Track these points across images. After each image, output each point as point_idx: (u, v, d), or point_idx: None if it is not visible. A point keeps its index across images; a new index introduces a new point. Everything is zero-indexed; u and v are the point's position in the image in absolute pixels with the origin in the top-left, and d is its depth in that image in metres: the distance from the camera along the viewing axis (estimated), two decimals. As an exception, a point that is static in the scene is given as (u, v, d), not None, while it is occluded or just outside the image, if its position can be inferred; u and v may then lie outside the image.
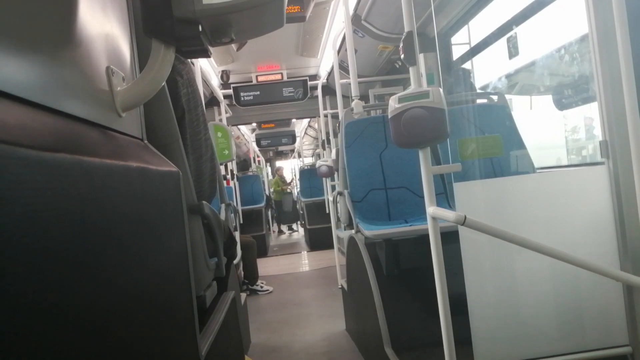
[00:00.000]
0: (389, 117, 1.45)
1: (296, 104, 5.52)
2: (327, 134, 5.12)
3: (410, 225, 2.24)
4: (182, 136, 1.15)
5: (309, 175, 8.73)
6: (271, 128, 8.64)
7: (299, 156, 12.36)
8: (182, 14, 0.67)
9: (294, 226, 11.15)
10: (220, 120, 4.89)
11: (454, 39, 3.38)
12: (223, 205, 1.98)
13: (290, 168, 15.12)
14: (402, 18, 1.45)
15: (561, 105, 2.55)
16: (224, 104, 4.88)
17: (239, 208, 5.49)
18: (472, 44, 3.11)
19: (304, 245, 8.24)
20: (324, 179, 5.55)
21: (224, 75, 5.16)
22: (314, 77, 5.61)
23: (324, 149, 5.39)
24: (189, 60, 1.51)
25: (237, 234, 3.70)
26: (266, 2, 0.68)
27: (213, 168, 1.38)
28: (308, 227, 7.88)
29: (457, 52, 3.38)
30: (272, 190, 10.97)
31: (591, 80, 1.49)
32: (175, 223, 0.80)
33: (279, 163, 15.85)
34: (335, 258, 4.41)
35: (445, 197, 2.50)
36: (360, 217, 2.52)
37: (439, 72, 3.36)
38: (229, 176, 4.65)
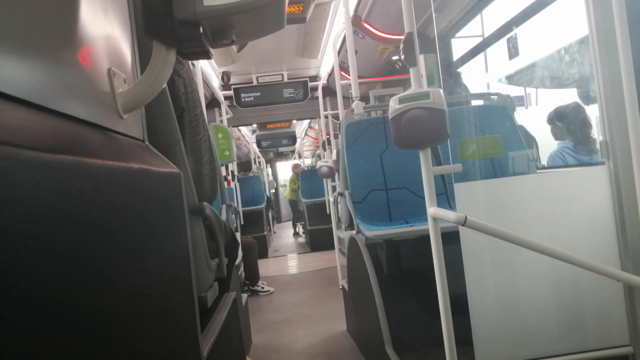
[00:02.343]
0: (390, 118, 1.45)
1: (297, 105, 5.52)
2: (328, 135, 5.12)
3: (411, 226, 2.24)
4: (182, 136, 1.15)
5: (309, 176, 8.74)
6: (271, 129, 8.64)
7: (299, 157, 12.35)
8: (182, 15, 0.67)
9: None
10: (221, 121, 4.90)
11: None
12: (224, 206, 1.98)
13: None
14: (402, 19, 1.45)
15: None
16: (224, 105, 4.88)
17: (240, 209, 5.49)
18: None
19: (305, 246, 8.24)
20: (324, 179, 5.55)
21: (225, 77, 5.16)
22: (315, 78, 5.62)
23: (324, 149, 5.39)
24: (189, 61, 1.51)
25: (237, 235, 3.71)
26: (267, 4, 0.68)
27: (213, 170, 1.38)
28: (309, 227, 7.88)
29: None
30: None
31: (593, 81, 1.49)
32: (176, 224, 0.80)
33: (280, 164, 15.86)
34: (336, 259, 4.42)
35: (445, 198, 2.50)
36: (361, 217, 2.53)
37: (439, 72, 3.36)
38: (229, 177, 4.66)
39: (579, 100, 2.77)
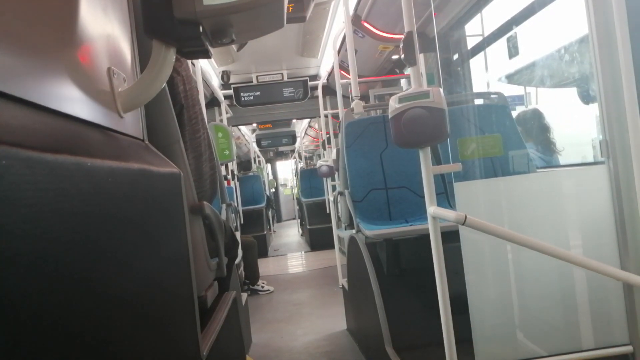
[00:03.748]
0: (389, 117, 1.45)
1: (296, 104, 5.51)
2: (328, 134, 5.12)
3: (411, 225, 2.24)
4: (181, 133, 1.15)
5: (309, 175, 8.74)
6: (271, 128, 8.64)
7: (300, 157, 12.32)
8: (182, 14, 0.67)
9: None
10: (221, 120, 4.89)
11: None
12: (224, 206, 1.98)
13: (291, 168, 15.08)
14: (402, 18, 1.45)
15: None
16: (224, 104, 4.88)
17: (240, 208, 5.49)
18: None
19: (305, 246, 8.24)
20: (324, 179, 5.55)
21: (225, 76, 5.15)
22: (314, 77, 5.61)
23: (324, 149, 5.39)
24: (189, 60, 1.51)
25: (237, 234, 3.71)
26: (267, 3, 0.68)
27: (213, 168, 1.38)
28: (308, 227, 7.88)
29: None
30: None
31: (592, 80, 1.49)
32: (176, 224, 0.80)
33: (279, 163, 15.85)
34: (336, 258, 4.42)
35: (445, 197, 2.51)
36: (360, 216, 2.53)
37: (439, 72, 3.36)
38: (229, 176, 4.65)
39: (579, 100, 2.79)
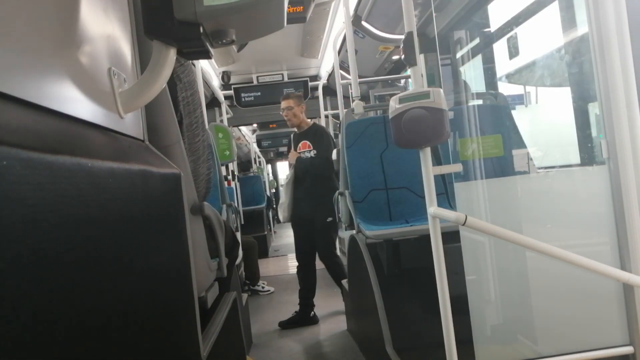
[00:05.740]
0: (390, 117, 1.45)
1: (297, 105, 5.50)
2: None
3: (411, 226, 2.24)
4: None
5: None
6: (272, 129, 8.64)
7: None
8: (183, 15, 0.67)
9: None
10: (221, 121, 4.89)
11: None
12: (224, 206, 1.98)
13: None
14: (402, 18, 1.45)
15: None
16: (224, 104, 4.88)
17: (240, 209, 5.49)
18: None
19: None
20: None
21: (225, 76, 5.16)
22: (315, 77, 5.61)
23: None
24: (190, 61, 1.51)
25: (238, 235, 3.71)
26: (267, 4, 0.68)
27: (209, 168, 1.38)
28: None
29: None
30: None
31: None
32: (176, 224, 0.80)
33: (280, 164, 15.84)
34: (336, 258, 4.41)
35: (446, 197, 2.51)
36: (361, 217, 2.53)
37: (439, 72, 3.36)
38: (229, 177, 4.65)
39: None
